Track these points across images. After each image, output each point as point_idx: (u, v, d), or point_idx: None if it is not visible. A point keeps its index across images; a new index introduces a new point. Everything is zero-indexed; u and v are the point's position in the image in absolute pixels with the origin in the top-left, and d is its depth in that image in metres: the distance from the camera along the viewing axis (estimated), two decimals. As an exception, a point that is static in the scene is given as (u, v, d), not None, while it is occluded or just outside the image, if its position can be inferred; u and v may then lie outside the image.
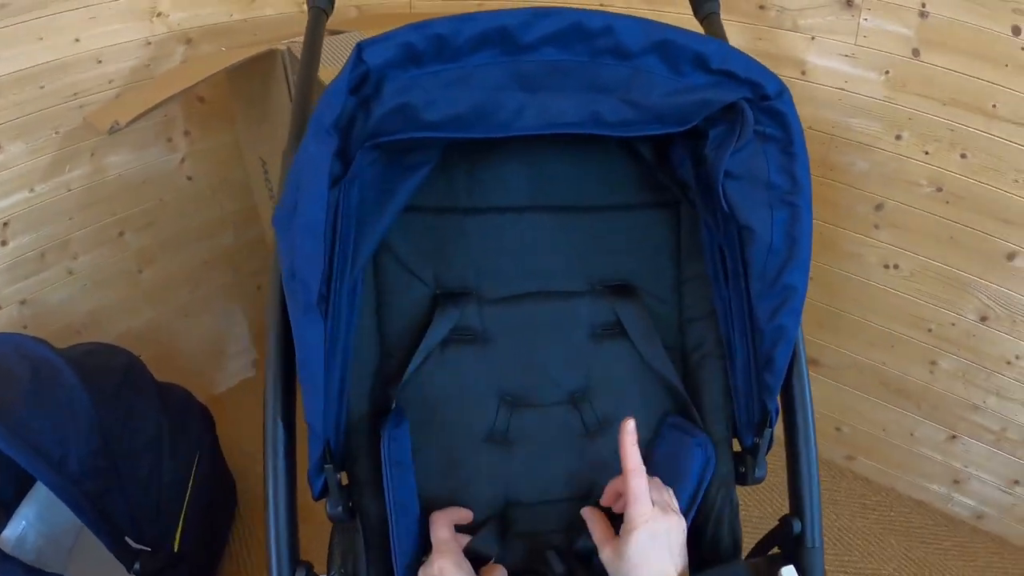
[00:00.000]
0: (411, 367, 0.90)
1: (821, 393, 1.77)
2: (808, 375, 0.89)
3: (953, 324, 1.50)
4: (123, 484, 1.22)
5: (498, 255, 0.94)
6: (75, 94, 1.35)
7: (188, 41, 1.46)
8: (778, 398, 0.87)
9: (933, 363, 1.56)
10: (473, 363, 0.93)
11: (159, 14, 1.40)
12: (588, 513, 0.86)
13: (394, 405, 0.89)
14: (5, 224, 1.33)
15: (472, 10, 0.75)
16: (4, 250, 1.34)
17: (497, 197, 0.94)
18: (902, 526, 1.65)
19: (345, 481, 0.88)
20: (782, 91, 0.78)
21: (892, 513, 1.68)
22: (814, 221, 1.55)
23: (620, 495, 0.84)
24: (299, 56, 1.00)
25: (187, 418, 1.42)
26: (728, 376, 0.93)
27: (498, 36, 0.74)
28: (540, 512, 0.93)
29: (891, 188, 1.46)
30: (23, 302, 1.40)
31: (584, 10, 0.75)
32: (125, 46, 1.38)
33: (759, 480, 0.91)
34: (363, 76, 0.73)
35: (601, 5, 1.57)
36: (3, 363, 1.19)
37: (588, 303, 0.95)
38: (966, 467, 1.62)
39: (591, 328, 0.95)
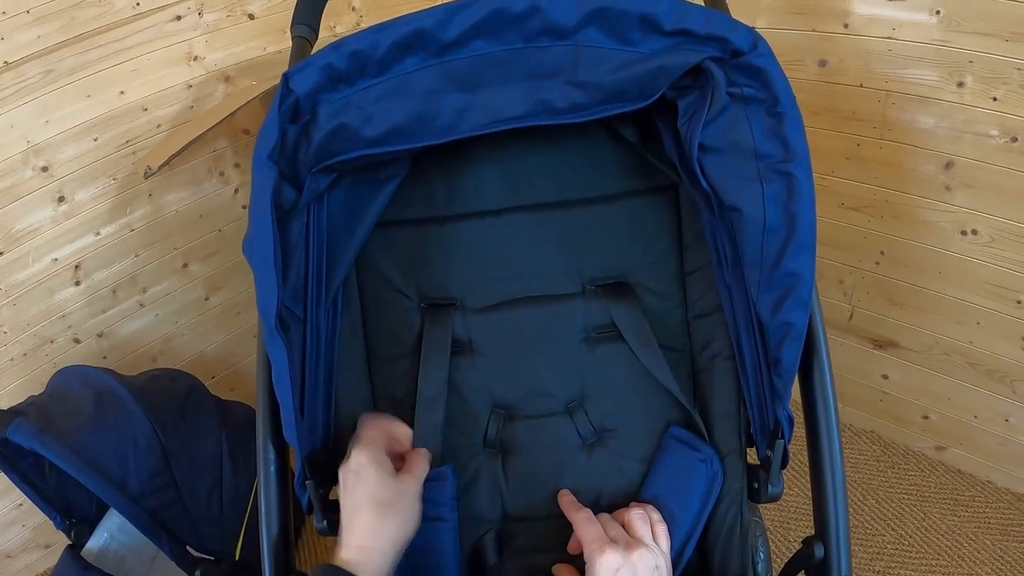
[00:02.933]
0: (420, 412, 0.89)
1: (903, 378, 1.61)
2: (831, 375, 0.78)
3: (1045, 293, 1.31)
4: (184, 499, 1.32)
5: (480, 262, 0.92)
6: (127, 142, 1.46)
7: (227, 79, 1.54)
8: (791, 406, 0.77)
9: (1025, 339, 1.38)
10: (462, 376, 0.92)
11: (196, 58, 1.49)
12: (557, 570, 0.85)
13: None
14: (77, 266, 1.47)
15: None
16: (78, 289, 1.49)
17: (474, 202, 0.92)
18: (998, 524, 1.47)
19: (336, 496, 0.90)
20: (756, 43, 0.69)
21: (987, 509, 1.50)
22: (877, 189, 1.45)
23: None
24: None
25: (250, 434, 1.49)
26: (740, 380, 0.85)
27: (417, 40, 0.72)
28: (537, 529, 0.91)
29: (959, 143, 1.30)
30: (100, 335, 1.55)
31: None
32: (167, 92, 1.48)
33: (774, 498, 0.83)
34: (295, 104, 0.73)
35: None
36: (69, 393, 1.32)
37: (580, 305, 0.91)
38: (1070, 455, 1.42)
39: (584, 332, 0.91)
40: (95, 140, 1.42)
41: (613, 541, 0.76)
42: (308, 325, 0.80)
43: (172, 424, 1.33)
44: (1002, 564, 1.41)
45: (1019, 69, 1.18)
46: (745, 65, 0.70)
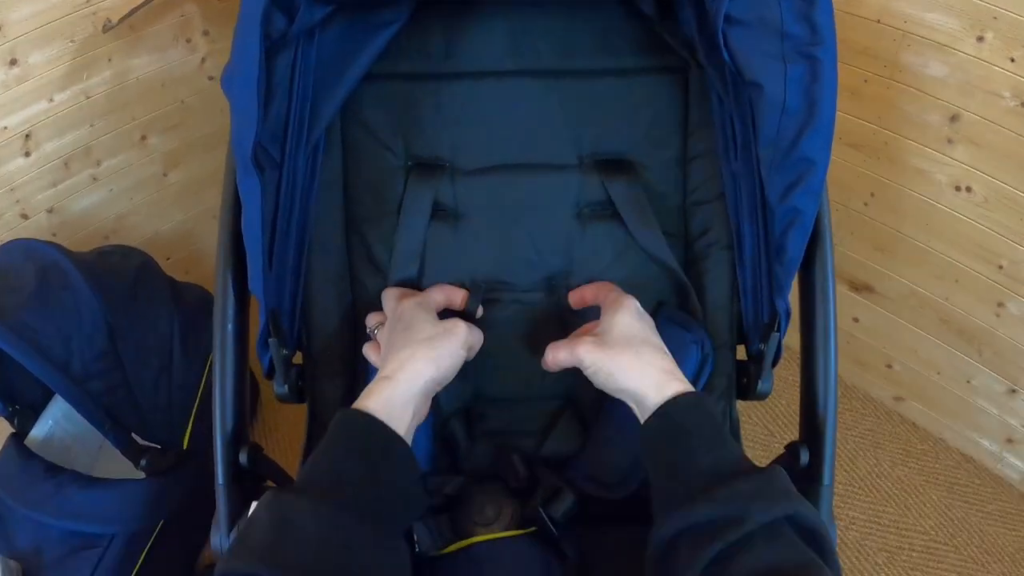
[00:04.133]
0: (395, 266, 0.86)
1: (874, 323, 1.61)
2: (833, 274, 0.78)
3: (1029, 263, 1.29)
4: (131, 383, 1.28)
5: (475, 124, 0.88)
6: (88, 1, 1.34)
7: (200, -61, 1.42)
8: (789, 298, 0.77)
9: (1001, 305, 1.36)
10: (444, 243, 0.88)
11: (166, -88, 1.36)
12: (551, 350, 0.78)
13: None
14: (27, 136, 1.37)
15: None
16: (28, 160, 1.39)
17: (476, 61, 0.87)
18: (945, 480, 1.51)
19: (299, 359, 0.88)
20: None
21: (937, 465, 1.53)
22: (877, 129, 1.39)
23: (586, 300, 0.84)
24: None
25: (203, 317, 1.45)
26: (735, 270, 0.84)
27: None
28: (510, 411, 0.90)
29: (969, 98, 1.24)
30: (50, 210, 1.47)
31: None
32: (134, -51, 1.36)
33: (763, 395, 0.83)
34: None
35: None
36: (11, 267, 1.25)
37: (576, 178, 0.88)
38: (1023, 427, 1.44)
39: (577, 206, 0.88)
40: (53, -3, 1.30)
41: None
42: (284, 169, 0.76)
43: (120, 303, 1.28)
44: (945, 520, 1.45)
45: (1042, 35, 1.11)
46: None
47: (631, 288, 0.85)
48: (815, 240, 0.77)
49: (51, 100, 1.38)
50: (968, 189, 1.31)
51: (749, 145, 0.74)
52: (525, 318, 0.89)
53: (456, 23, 0.86)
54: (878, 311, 1.58)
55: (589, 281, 0.87)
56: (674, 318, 0.85)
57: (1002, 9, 1.13)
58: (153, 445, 1.32)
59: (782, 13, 0.66)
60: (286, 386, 0.82)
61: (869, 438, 1.59)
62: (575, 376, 0.84)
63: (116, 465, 1.36)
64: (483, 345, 0.85)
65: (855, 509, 1.48)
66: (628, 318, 0.74)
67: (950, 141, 1.29)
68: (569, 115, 0.88)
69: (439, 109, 0.88)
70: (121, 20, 1.29)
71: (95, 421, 1.22)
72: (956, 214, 1.35)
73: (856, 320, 1.63)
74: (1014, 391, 1.43)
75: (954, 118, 1.27)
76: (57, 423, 1.39)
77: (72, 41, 1.36)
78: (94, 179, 1.51)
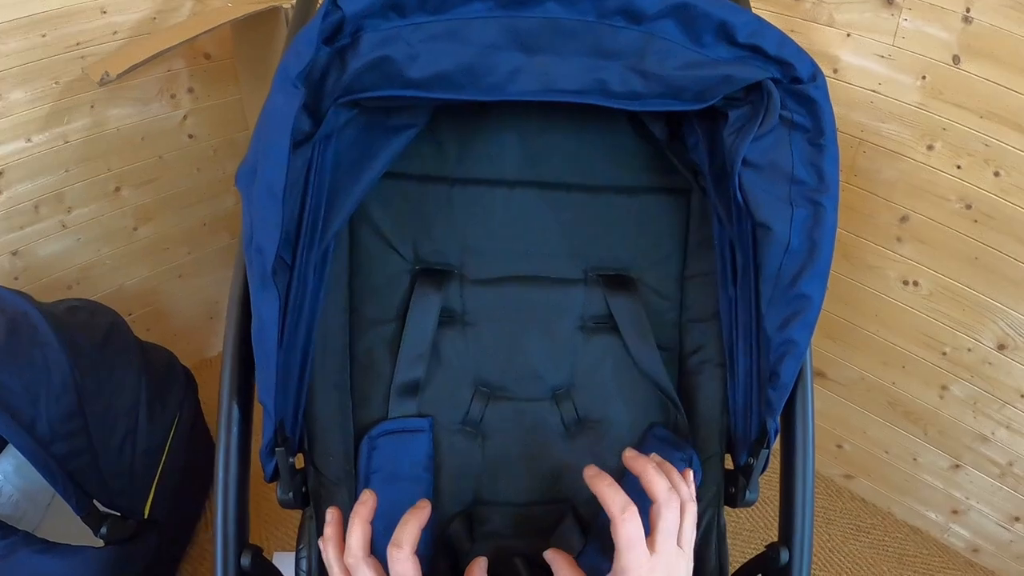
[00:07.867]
0: (400, 367, 0.85)
1: (826, 407, 1.71)
2: (813, 394, 0.83)
3: (969, 349, 1.42)
4: (95, 448, 1.20)
5: (485, 232, 0.88)
6: (77, 44, 1.32)
7: (197, -5, 1.42)
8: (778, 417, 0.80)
9: (944, 388, 1.49)
10: (450, 348, 0.87)
11: (168, -34, 1.36)
12: (552, 557, 0.73)
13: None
14: (0, 173, 1.31)
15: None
16: (-3, 199, 1.32)
17: (489, 168, 0.87)
18: (895, 552, 1.60)
19: (300, 465, 0.84)
20: (816, 75, 0.71)
21: (886, 538, 1.62)
22: (834, 227, 1.49)
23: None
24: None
25: (168, 382, 1.39)
26: (727, 387, 0.86)
27: None
28: (510, 514, 0.88)
29: (918, 200, 1.38)
30: (15, 253, 1.39)
31: None
32: (131, -2, 1.34)
33: (750, 503, 0.85)
34: (338, 24, 0.65)
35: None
36: (-20, 316, 1.17)
37: (580, 292, 0.89)
38: (967, 498, 1.56)
39: (581, 320, 0.89)
40: (43, 36, 1.27)
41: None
42: (295, 274, 0.73)
43: (90, 364, 1.21)
44: (896, 590, 1.54)
45: (986, 145, 1.26)
46: (801, 93, 0.71)
47: (628, 404, 0.88)
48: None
49: (29, 140, 1.33)
50: (915, 283, 1.44)
51: (748, 272, 0.77)
52: (529, 425, 0.89)
53: (470, 130, 0.87)
54: (829, 395, 1.69)
55: (593, 392, 0.89)
56: (664, 439, 0.87)
57: (950, 121, 1.28)
58: (114, 512, 1.23)
59: (794, 159, 0.71)
60: (290, 493, 0.80)
61: (821, 515, 1.67)
62: (575, 481, 0.86)
63: (65, 523, 1.28)
64: (486, 450, 0.87)
65: (809, 584, 1.53)
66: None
67: (899, 239, 1.43)
68: (576, 229, 0.90)
69: (450, 214, 0.88)
70: (119, 76, 1.26)
71: (58, 486, 1.12)
72: (903, 306, 1.48)
73: (805, 403, 1.72)
74: (957, 466, 1.54)
75: (904, 218, 1.40)
76: (7, 477, 1.28)
77: (56, 83, 1.32)
78: (63, 226, 1.44)
